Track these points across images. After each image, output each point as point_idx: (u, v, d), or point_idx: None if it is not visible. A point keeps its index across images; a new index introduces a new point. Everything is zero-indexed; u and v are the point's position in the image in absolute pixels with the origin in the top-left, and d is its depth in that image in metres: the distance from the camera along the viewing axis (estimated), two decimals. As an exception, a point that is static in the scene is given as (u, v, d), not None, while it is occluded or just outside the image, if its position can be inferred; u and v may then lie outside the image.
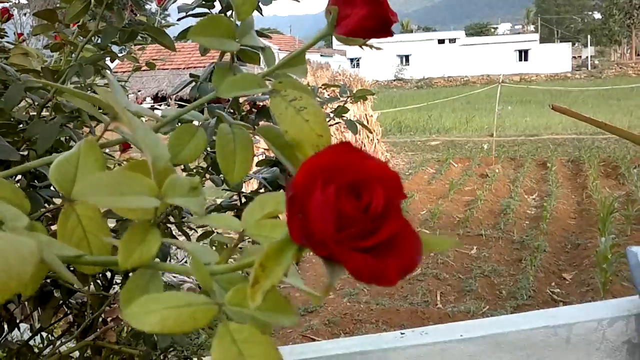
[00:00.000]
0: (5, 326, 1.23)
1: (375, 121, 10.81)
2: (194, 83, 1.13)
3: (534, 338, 1.58)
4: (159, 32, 0.94)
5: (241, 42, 0.55)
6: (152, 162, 0.44)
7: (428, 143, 14.28)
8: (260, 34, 1.01)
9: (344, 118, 1.48)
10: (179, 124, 0.62)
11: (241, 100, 1.13)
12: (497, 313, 4.83)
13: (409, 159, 12.29)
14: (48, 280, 1.14)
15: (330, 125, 1.47)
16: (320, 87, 1.55)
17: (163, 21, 1.61)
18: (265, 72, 0.56)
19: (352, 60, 40.39)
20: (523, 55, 46.12)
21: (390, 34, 0.52)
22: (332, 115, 1.48)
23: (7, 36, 1.12)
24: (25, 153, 1.00)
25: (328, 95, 1.61)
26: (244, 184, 1.28)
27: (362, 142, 10.37)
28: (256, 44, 0.58)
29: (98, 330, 1.02)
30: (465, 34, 55.56)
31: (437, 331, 1.63)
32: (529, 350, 1.57)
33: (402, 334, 1.58)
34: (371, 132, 7.80)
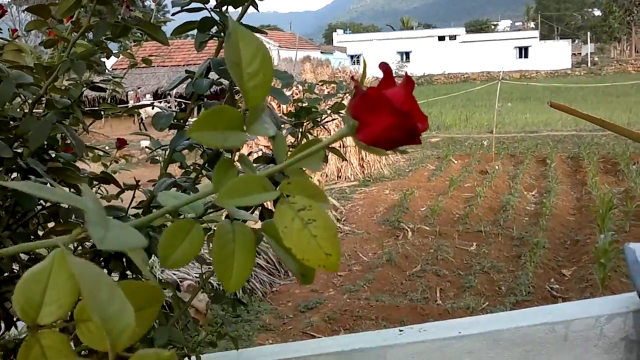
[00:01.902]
0: (2, 324, 1.22)
1: (376, 118, 10.78)
2: (189, 79, 1.13)
3: (532, 335, 1.58)
4: (152, 27, 0.93)
5: (250, 131, 0.49)
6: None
7: (428, 140, 14.27)
8: (257, 30, 1.00)
9: (342, 114, 1.48)
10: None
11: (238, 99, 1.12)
12: (496, 309, 4.83)
13: (409, 156, 12.28)
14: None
15: (327, 122, 1.47)
16: (319, 84, 1.54)
17: (162, 17, 1.61)
18: (274, 168, 0.50)
19: (352, 57, 40.35)
20: (523, 52, 46.07)
21: (419, 141, 0.48)
22: (329, 111, 1.47)
23: (1, 32, 1.11)
24: (20, 150, 1.00)
25: (328, 91, 1.60)
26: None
27: (361, 139, 10.36)
28: (267, 132, 0.51)
29: None
30: (466, 31, 55.45)
31: (436, 328, 1.62)
32: (527, 346, 1.57)
33: (400, 331, 1.58)
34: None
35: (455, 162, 11.47)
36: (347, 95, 1.53)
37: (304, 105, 1.41)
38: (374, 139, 0.46)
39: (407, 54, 47.06)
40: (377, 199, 8.67)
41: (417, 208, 8.10)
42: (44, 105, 0.93)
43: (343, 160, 10.02)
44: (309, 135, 1.39)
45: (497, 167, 10.38)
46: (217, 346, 1.47)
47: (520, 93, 24.85)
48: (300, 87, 1.65)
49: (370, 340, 1.55)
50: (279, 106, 6.87)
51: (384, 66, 0.50)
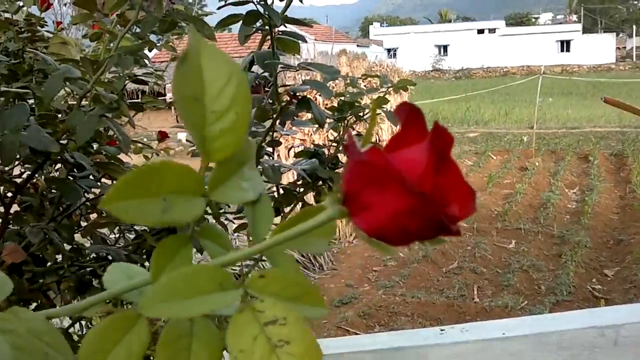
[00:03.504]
0: (45, 314, 1.24)
1: (413, 112, 10.68)
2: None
3: (580, 338, 1.53)
4: (198, 21, 0.92)
5: (215, 196, 0.35)
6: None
7: (466, 135, 14.09)
8: (303, 23, 0.98)
9: (384, 109, 1.45)
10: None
11: (281, 90, 1.11)
12: (535, 309, 4.74)
13: (446, 150, 12.14)
14: (87, 269, 1.14)
15: (369, 116, 1.44)
16: (360, 78, 1.52)
17: (200, 11, 1.60)
18: (245, 252, 0.36)
19: (389, 50, 40.09)
20: (565, 45, 45.10)
21: (455, 233, 0.32)
22: (371, 106, 1.44)
23: (47, 25, 1.12)
24: (65, 142, 1.00)
25: (365, 86, 1.58)
26: (282, 176, 1.26)
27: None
28: (242, 197, 0.37)
29: None
30: (506, 24, 54.54)
31: (478, 328, 1.59)
32: (574, 350, 1.52)
33: (441, 330, 1.55)
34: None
35: (494, 157, 11.30)
36: (390, 89, 1.50)
37: (346, 99, 1.39)
38: (378, 230, 0.31)
39: (445, 47, 46.52)
40: (414, 194, 8.59)
41: (455, 204, 8.00)
42: (89, 99, 0.93)
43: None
44: (351, 130, 1.36)
45: (537, 164, 10.19)
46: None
47: (561, 88, 24.34)
48: (337, 82, 1.63)
49: (410, 338, 1.52)
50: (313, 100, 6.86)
51: (405, 109, 0.33)
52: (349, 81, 1.49)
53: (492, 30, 47.49)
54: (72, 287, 1.11)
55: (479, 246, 6.26)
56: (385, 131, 10.02)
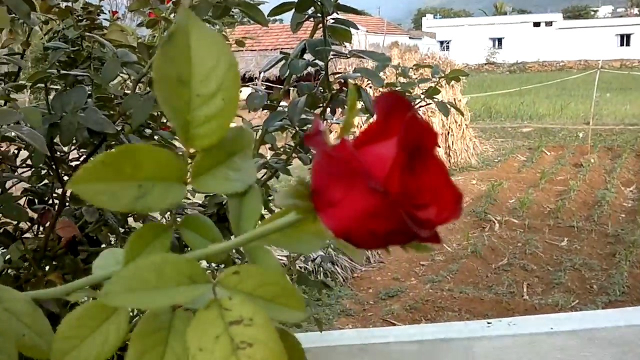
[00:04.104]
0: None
1: (464, 106, 10.55)
2: (283, 61, 1.13)
3: (631, 335, 1.49)
4: (251, 7, 0.94)
5: (198, 185, 0.34)
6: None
7: (519, 130, 13.81)
8: (351, 9, 0.99)
9: (435, 99, 1.44)
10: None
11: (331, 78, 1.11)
12: (587, 308, 4.63)
13: (499, 145, 11.93)
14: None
15: (420, 106, 1.44)
16: (411, 68, 1.51)
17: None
18: (227, 244, 0.34)
19: (441, 43, 39.56)
20: (625, 39, 43.56)
21: (432, 240, 0.29)
22: (422, 96, 1.44)
23: (105, 13, 1.16)
24: (120, 128, 1.03)
25: (417, 77, 1.57)
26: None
27: (449, 127, 10.15)
28: (229, 187, 0.34)
29: None
30: (563, 17, 53.04)
31: (526, 322, 1.57)
32: (624, 347, 1.48)
33: (488, 323, 1.54)
34: (461, 115, 7.61)
35: (548, 153, 11.04)
36: (441, 80, 1.49)
37: (397, 89, 1.39)
38: (345, 230, 0.28)
39: (500, 40, 45.58)
40: (463, 188, 8.45)
41: (506, 200, 7.86)
42: (145, 83, 0.95)
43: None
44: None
45: (592, 160, 9.90)
46: (301, 327, 1.48)
47: (620, 83, 23.53)
48: (389, 72, 1.62)
49: (457, 330, 1.51)
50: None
51: (388, 99, 0.29)
52: (400, 71, 1.49)
53: (548, 23, 46.26)
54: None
55: (530, 243, 6.14)
56: (436, 124, 9.92)
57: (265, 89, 1.37)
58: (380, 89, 1.40)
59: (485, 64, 42.13)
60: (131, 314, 0.36)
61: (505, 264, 5.70)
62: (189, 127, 0.33)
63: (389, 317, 4.55)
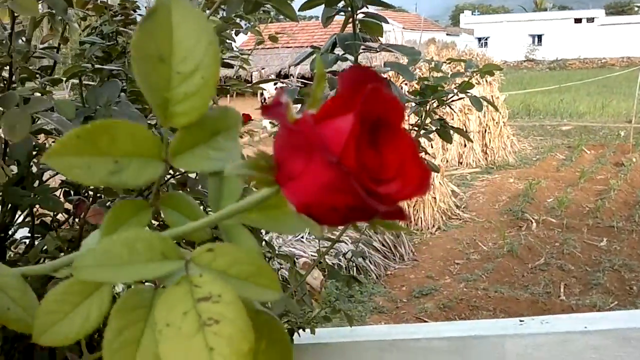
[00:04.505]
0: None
1: (502, 103, 10.40)
2: (314, 55, 1.13)
3: (669, 337, 1.46)
4: (282, 2, 0.94)
5: (177, 163, 0.33)
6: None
7: (559, 128, 13.55)
8: (381, 3, 0.98)
9: (469, 94, 1.43)
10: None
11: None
12: (626, 310, 4.53)
13: (537, 143, 11.74)
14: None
15: (454, 100, 1.43)
16: (445, 62, 1.50)
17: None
18: (200, 222, 0.34)
19: (479, 39, 39.05)
20: (671, 35, 42.35)
21: (396, 216, 0.28)
22: (455, 90, 1.43)
23: (140, 9, 1.18)
24: (154, 122, 1.05)
25: (451, 72, 1.55)
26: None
27: (486, 124, 10.03)
28: (206, 165, 0.34)
29: None
30: (605, 13, 51.80)
31: (559, 321, 1.54)
32: (662, 349, 1.45)
33: (521, 321, 1.52)
34: (497, 111, 7.51)
35: (588, 152, 10.81)
36: (475, 75, 1.48)
37: (429, 83, 1.38)
38: (306, 205, 0.27)
39: (540, 37, 44.75)
40: (500, 187, 8.38)
41: (544, 199, 7.73)
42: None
43: (465, 146, 9.75)
44: (434, 115, 1.35)
45: (634, 159, 9.66)
46: (331, 321, 1.49)
47: (665, 80, 22.91)
48: (422, 68, 1.62)
49: (488, 328, 1.50)
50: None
51: (355, 72, 0.29)
52: (433, 65, 1.48)
53: (590, 20, 45.23)
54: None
55: (568, 243, 6.03)
56: (473, 122, 9.80)
57: (301, 85, 1.37)
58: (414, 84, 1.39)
59: (525, 61, 41.42)
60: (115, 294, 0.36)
61: (542, 264, 5.61)
62: (168, 105, 0.32)
63: (422, 316, 4.53)
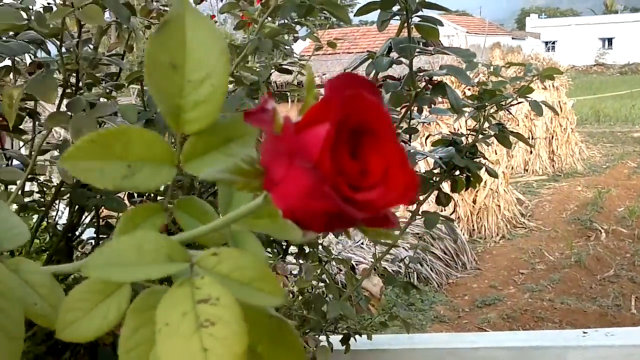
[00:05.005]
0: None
1: (570, 109, 10.09)
2: (370, 60, 1.13)
3: None
4: (335, 5, 0.95)
5: (189, 168, 0.34)
6: None
7: (630, 134, 13.04)
8: (436, 6, 0.98)
9: (529, 99, 1.39)
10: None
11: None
12: (703, 325, 4.30)
13: (607, 150, 11.33)
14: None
15: (512, 105, 1.40)
16: (504, 66, 1.47)
17: (348, 1, 1.63)
18: (204, 228, 0.34)
19: (546, 43, 38.06)
20: None
21: (357, 221, 0.28)
22: (515, 95, 1.40)
23: (201, 16, 1.21)
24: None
25: (516, 75, 1.52)
26: (417, 163, 1.26)
27: (553, 130, 9.75)
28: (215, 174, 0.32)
29: None
30: (681, 14, 49.51)
31: (626, 334, 1.48)
32: None
33: (584, 332, 1.47)
34: (557, 115, 7.33)
35: (662, 159, 10.36)
36: (536, 79, 1.44)
37: (487, 88, 1.35)
38: (290, 210, 0.28)
39: (610, 40, 43.19)
40: (568, 195, 8.12)
41: (614, 208, 7.45)
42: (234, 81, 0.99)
43: (531, 152, 9.51)
44: (491, 120, 1.33)
45: None
46: (388, 327, 1.48)
47: None
48: (485, 72, 1.59)
49: (550, 339, 1.45)
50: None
51: (339, 78, 0.28)
52: (492, 70, 1.46)
53: (665, 21, 43.34)
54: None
55: (640, 254, 5.79)
56: (540, 128, 9.55)
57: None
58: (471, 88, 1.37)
59: (594, 65, 40.05)
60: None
61: (612, 275, 5.40)
62: (180, 112, 0.33)
63: (485, 326, 4.43)
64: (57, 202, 1.11)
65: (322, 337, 1.22)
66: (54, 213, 1.19)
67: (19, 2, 0.93)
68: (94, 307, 0.34)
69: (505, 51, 10.51)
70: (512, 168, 9.32)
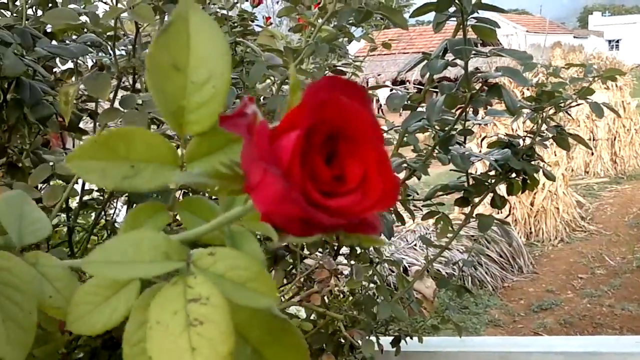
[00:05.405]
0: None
1: (634, 109, 9.73)
2: (424, 61, 1.13)
3: None
4: (391, 10, 0.95)
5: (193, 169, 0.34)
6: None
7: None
8: (493, 7, 0.97)
9: (589, 100, 1.36)
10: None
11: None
12: None
13: (674, 152, 10.89)
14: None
15: (572, 106, 1.37)
16: (563, 67, 1.44)
17: (404, 2, 1.63)
18: (207, 226, 0.34)
19: (610, 42, 36.79)
20: None
21: (325, 228, 0.27)
22: (574, 96, 1.37)
23: (257, 20, 1.23)
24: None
25: (577, 75, 1.49)
26: (472, 165, 1.25)
27: (616, 132, 9.43)
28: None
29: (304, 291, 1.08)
30: None
31: (688, 342, 1.43)
32: None
33: (644, 340, 1.42)
34: (619, 117, 7.09)
35: None
36: (597, 79, 1.41)
37: (546, 89, 1.33)
38: (266, 213, 0.27)
39: (679, 38, 41.43)
40: (631, 198, 7.85)
41: (681, 215, 7.15)
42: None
43: (592, 154, 9.22)
44: (550, 121, 1.31)
45: None
46: (440, 330, 1.47)
47: None
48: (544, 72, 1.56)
49: (607, 344, 1.42)
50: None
51: (320, 82, 0.28)
52: (551, 70, 1.43)
53: None
54: (269, 259, 1.21)
55: None
56: (602, 129, 9.26)
57: (417, 91, 1.38)
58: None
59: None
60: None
61: (678, 282, 5.19)
62: (184, 113, 0.34)
63: (541, 331, 4.34)
64: (114, 200, 1.15)
65: (372, 338, 1.23)
66: (111, 211, 1.24)
67: (82, 7, 0.97)
68: (103, 301, 0.35)
69: (566, 50, 10.23)
70: (572, 170, 9.06)
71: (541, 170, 1.26)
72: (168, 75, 0.33)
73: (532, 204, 6.37)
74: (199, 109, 0.33)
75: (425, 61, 1.11)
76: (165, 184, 0.34)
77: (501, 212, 1.62)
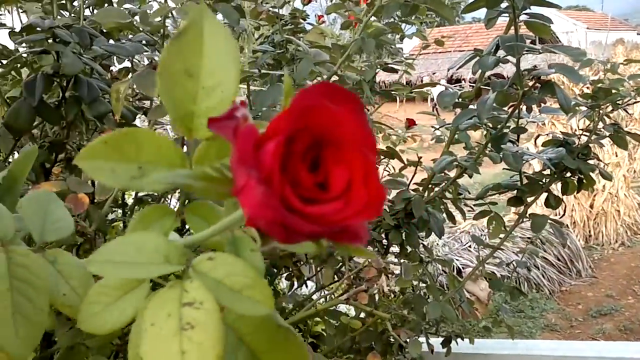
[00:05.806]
0: (295, 282, 1.38)
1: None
2: (477, 57, 1.11)
3: None
4: (438, 4, 0.94)
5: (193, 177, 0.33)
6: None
7: None
8: (545, 3, 0.94)
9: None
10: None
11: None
12: None
13: None
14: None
15: (630, 104, 1.32)
16: (622, 63, 1.39)
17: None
18: (199, 236, 0.34)
19: (677, 39, 35.29)
20: None
21: (305, 236, 0.27)
22: (633, 94, 1.32)
23: (309, 17, 1.24)
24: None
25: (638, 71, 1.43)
26: (525, 164, 1.22)
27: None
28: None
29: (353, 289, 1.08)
30: None
31: None
32: None
33: None
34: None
35: None
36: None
37: (602, 86, 1.29)
38: (251, 218, 0.27)
39: None
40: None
41: None
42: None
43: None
44: (606, 119, 1.27)
45: None
46: (491, 332, 1.45)
47: None
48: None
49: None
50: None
51: (311, 88, 0.28)
52: (609, 67, 1.38)
53: None
54: (318, 256, 1.21)
55: None
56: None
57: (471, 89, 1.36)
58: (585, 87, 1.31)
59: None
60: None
61: None
62: (193, 117, 0.34)
63: (600, 337, 4.20)
64: (169, 196, 1.18)
65: (421, 338, 1.22)
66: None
67: (137, 6, 1.00)
68: (113, 302, 0.35)
69: (629, 48, 9.89)
70: (635, 171, 8.73)
71: (597, 170, 1.22)
72: (180, 80, 0.34)
73: (591, 206, 6.18)
74: (209, 114, 0.34)
75: (477, 58, 1.09)
76: (171, 186, 0.35)
77: (559, 213, 1.58)
